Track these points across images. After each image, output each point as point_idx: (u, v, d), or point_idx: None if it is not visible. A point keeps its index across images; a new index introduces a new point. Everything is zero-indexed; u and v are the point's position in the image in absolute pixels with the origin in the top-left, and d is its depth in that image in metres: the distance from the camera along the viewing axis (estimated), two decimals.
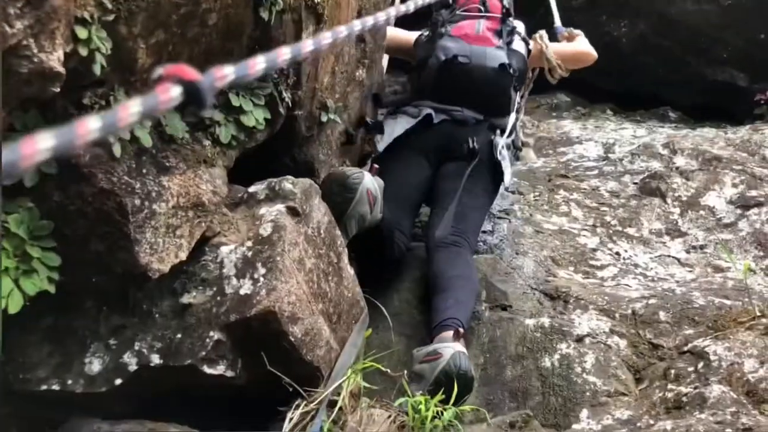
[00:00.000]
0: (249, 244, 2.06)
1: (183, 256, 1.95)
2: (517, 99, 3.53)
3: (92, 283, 1.87)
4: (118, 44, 1.73)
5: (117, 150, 1.78)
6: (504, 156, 3.23)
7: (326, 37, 1.09)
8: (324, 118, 2.67)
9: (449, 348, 2.39)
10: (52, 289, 1.69)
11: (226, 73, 0.84)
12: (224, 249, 2.05)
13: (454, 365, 2.34)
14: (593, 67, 5.86)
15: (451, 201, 3.02)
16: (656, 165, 3.98)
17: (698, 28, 5.77)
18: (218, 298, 1.97)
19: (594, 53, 3.98)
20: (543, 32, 3.87)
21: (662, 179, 3.80)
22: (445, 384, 2.31)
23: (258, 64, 0.89)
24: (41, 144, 0.62)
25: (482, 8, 3.61)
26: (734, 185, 3.72)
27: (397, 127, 3.23)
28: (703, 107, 5.72)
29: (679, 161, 3.97)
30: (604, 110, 5.68)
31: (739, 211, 3.56)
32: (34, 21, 1.43)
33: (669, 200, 3.69)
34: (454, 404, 2.27)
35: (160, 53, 1.89)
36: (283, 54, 0.94)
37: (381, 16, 1.42)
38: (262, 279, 1.98)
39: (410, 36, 3.69)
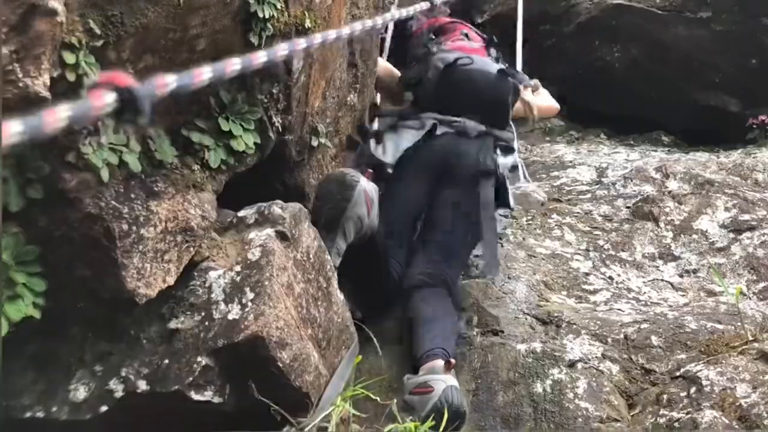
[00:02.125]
0: (237, 268, 2.05)
1: (171, 281, 1.94)
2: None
3: (78, 308, 1.86)
4: (107, 69, 1.73)
5: (105, 175, 1.77)
6: (508, 176, 3.20)
7: (281, 48, 1.08)
8: (315, 143, 2.67)
9: (440, 381, 2.33)
10: (37, 314, 1.67)
11: (168, 81, 0.83)
12: (213, 274, 2.04)
13: (446, 400, 2.28)
14: (587, 91, 5.93)
15: (439, 233, 2.99)
16: (649, 189, 3.98)
17: (690, 53, 5.82)
18: (206, 323, 1.96)
19: (558, 107, 4.07)
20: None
21: (655, 203, 3.81)
22: (437, 419, 2.23)
23: (204, 73, 0.88)
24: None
25: (466, 39, 3.67)
26: (727, 209, 3.73)
27: (402, 141, 3.14)
28: (696, 131, 5.75)
29: (672, 185, 3.98)
30: (598, 134, 5.71)
31: (731, 235, 3.56)
32: (19, 46, 1.43)
33: (662, 224, 3.69)
34: None
35: (149, 78, 1.89)
36: (232, 64, 0.93)
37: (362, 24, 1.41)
38: (250, 304, 1.97)
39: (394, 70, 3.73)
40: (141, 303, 1.85)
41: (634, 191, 3.99)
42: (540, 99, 3.90)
